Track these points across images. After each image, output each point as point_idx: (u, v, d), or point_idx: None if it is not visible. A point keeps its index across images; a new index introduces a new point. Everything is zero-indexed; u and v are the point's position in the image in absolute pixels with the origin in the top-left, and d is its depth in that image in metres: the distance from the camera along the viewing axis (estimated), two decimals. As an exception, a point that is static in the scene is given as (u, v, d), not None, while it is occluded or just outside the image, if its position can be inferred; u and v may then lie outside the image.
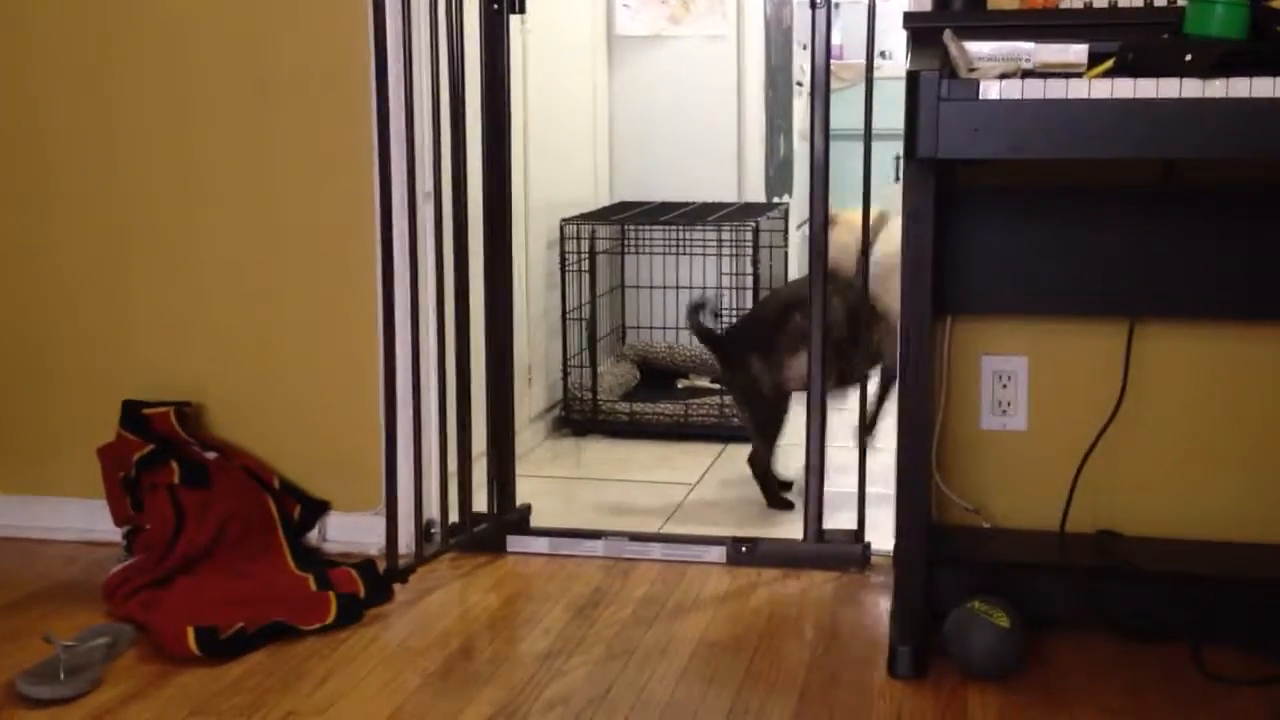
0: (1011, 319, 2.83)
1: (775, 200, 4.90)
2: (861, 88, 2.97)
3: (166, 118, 3.12)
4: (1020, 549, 2.72)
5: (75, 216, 3.18)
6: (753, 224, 4.07)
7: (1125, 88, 2.20)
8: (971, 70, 2.31)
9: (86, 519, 3.20)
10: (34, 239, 3.20)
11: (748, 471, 3.52)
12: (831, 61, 2.98)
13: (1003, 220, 2.77)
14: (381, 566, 2.93)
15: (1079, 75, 2.30)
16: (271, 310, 3.14)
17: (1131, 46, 2.28)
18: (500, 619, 2.74)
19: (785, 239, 4.51)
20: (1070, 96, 2.21)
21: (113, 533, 3.13)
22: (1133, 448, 2.77)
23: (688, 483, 3.68)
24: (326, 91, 3.04)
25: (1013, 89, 2.23)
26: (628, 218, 4.24)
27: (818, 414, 3.03)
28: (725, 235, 4.12)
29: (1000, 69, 2.31)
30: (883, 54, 7.31)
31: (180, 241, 3.15)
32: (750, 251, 4.04)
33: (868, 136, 2.97)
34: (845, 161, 6.77)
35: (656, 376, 4.61)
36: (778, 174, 5.11)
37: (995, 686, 2.40)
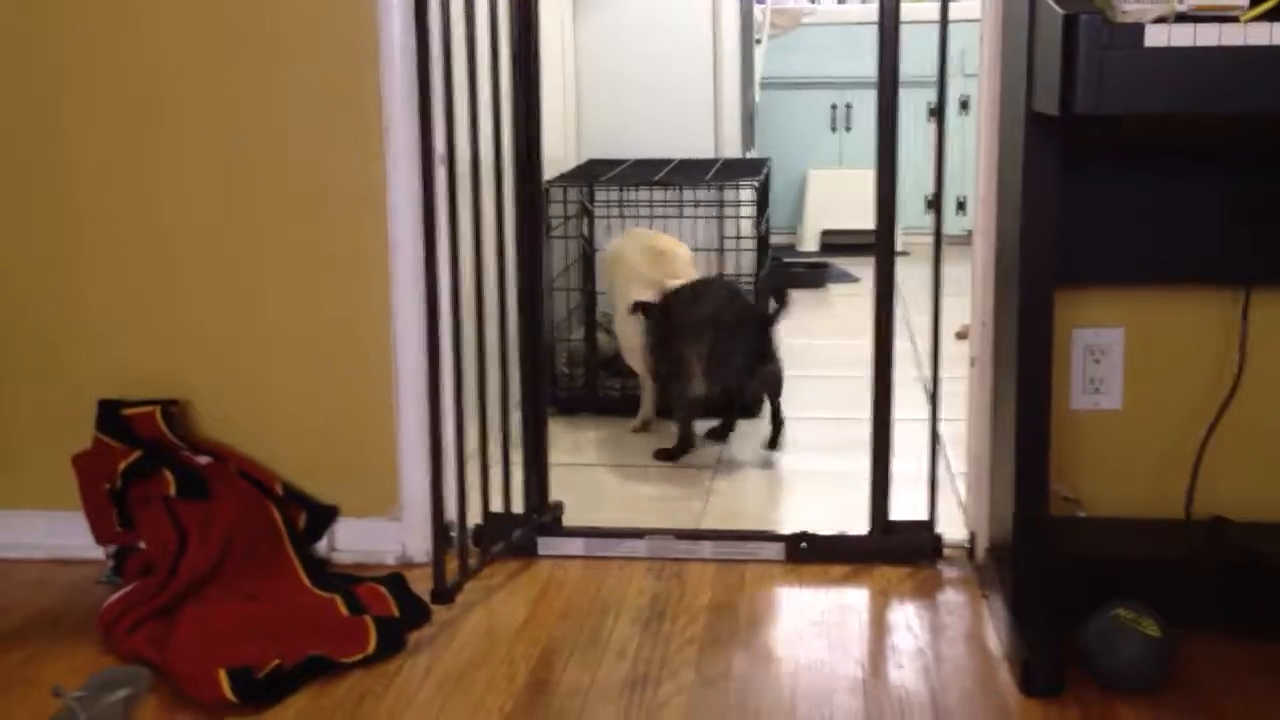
0: (1105, 288, 2.59)
1: (750, 155, 4.61)
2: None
3: (129, 72, 2.70)
4: (1136, 542, 2.49)
5: (25, 193, 2.76)
6: (754, 182, 3.78)
7: (1310, 33, 1.95)
8: (1124, 12, 2.05)
9: (54, 534, 2.80)
10: (-21, 215, 2.78)
11: (764, 452, 3.48)
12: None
13: (1096, 180, 2.51)
14: (408, 578, 2.62)
15: (1235, 18, 2.05)
16: (264, 291, 2.76)
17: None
18: (562, 639, 2.43)
19: (767, 199, 4.23)
20: (1249, 43, 1.96)
21: (86, 548, 2.75)
22: (1243, 426, 2.55)
23: (706, 466, 3.39)
24: (323, 40, 2.66)
25: (1183, 35, 1.97)
26: (616, 178, 3.90)
27: (883, 394, 2.76)
28: (728, 195, 3.81)
29: (1155, 11, 2.04)
30: (812, -1, 7.08)
31: (151, 216, 2.74)
32: (755, 211, 3.75)
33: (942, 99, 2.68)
34: (781, 111, 6.55)
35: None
36: (746, 128, 4.82)
37: (1146, 703, 2.16)
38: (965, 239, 2.83)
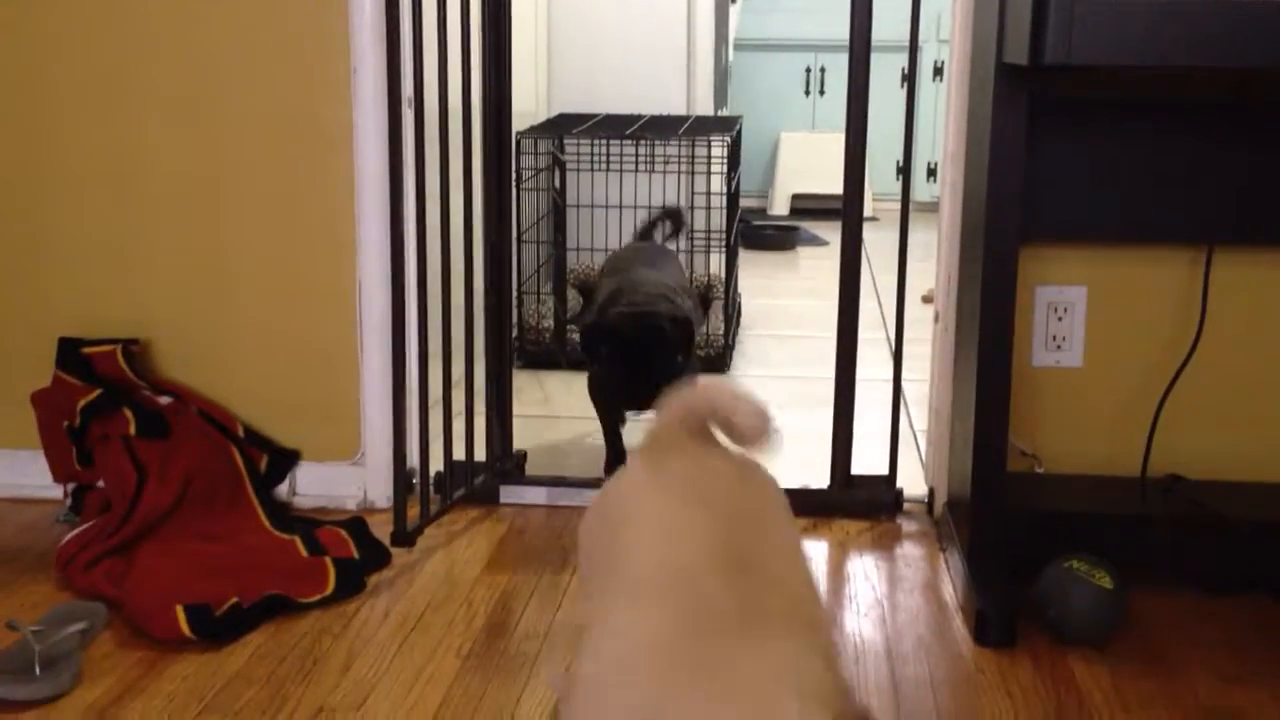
0: (1069, 246, 2.60)
1: (723, 114, 4.61)
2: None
3: (98, 6, 2.68)
4: (1092, 497, 2.51)
5: (-8, 123, 2.74)
6: (726, 138, 3.77)
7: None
8: (1094, -34, 2.05)
9: (12, 472, 2.79)
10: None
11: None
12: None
13: (1059, 137, 2.51)
14: (369, 523, 2.62)
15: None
16: (228, 232, 2.74)
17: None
18: (520, 584, 2.43)
19: (739, 156, 4.23)
20: (1219, -4, 1.97)
21: (44, 488, 2.74)
22: (1201, 385, 2.57)
23: (670, 421, 3.39)
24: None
25: (1153, -12, 1.97)
26: (587, 130, 3.89)
27: (847, 350, 2.77)
28: (699, 151, 3.80)
29: (1125, -34, 2.05)
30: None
31: (116, 154, 2.72)
32: (725, 168, 3.75)
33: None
34: (755, 73, 6.53)
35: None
36: (719, 86, 4.82)
37: (1097, 654, 2.18)
38: (935, 206, 2.84)
